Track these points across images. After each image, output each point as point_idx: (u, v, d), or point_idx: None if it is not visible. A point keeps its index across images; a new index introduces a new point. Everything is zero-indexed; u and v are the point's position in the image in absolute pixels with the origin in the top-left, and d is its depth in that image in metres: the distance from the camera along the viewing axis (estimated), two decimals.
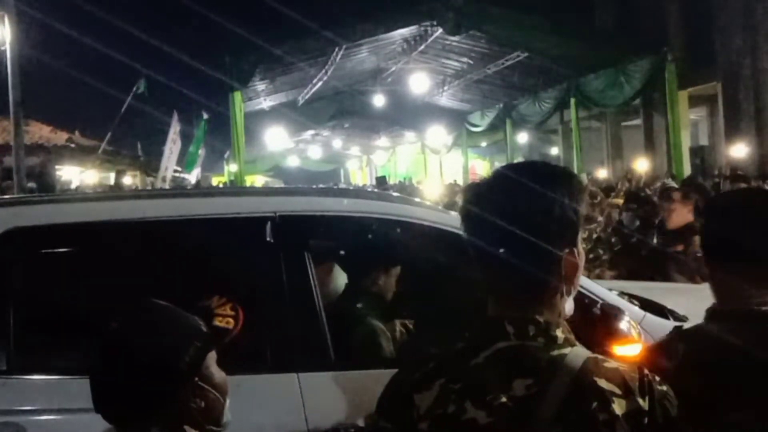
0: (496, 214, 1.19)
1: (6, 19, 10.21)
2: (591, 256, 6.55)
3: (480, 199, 1.24)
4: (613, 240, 6.64)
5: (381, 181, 19.12)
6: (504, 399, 1.15)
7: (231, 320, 1.57)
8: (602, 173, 16.61)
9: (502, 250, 1.19)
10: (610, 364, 1.19)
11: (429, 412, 1.20)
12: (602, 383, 1.14)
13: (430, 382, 1.22)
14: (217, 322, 1.55)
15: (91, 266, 2.50)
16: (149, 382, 1.40)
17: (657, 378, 1.20)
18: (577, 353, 1.19)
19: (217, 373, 1.53)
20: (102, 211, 2.68)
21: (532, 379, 1.16)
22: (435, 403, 1.20)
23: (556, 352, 1.18)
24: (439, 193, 12.18)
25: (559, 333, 1.21)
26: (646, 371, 1.20)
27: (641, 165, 15.29)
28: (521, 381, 1.16)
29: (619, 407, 1.13)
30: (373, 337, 2.70)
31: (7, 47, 10.23)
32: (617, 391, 1.14)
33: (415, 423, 1.21)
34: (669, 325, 2.81)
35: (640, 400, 1.15)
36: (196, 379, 1.46)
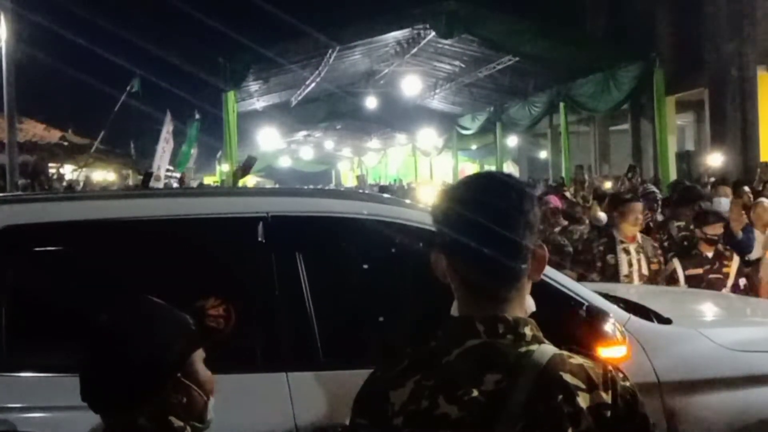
0: (477, 209, 1.25)
1: (2, 18, 10.18)
2: (581, 258, 6.61)
3: (460, 196, 1.29)
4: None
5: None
6: (475, 394, 1.20)
7: (222, 320, 1.60)
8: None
9: (481, 242, 1.23)
10: (575, 360, 1.24)
11: (403, 408, 1.23)
12: (567, 378, 1.20)
13: (405, 379, 1.25)
14: (208, 322, 1.58)
15: (83, 265, 2.52)
16: (134, 374, 1.44)
17: (621, 374, 1.25)
18: (544, 350, 1.24)
19: (203, 372, 1.54)
20: (95, 209, 2.69)
21: (501, 375, 1.21)
22: (409, 400, 1.23)
23: (524, 349, 1.23)
24: (430, 195, 12.21)
25: (528, 330, 1.25)
26: (610, 367, 1.25)
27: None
28: (491, 377, 1.21)
29: (583, 401, 1.18)
30: (365, 338, 2.73)
31: (3, 45, 10.19)
32: (582, 385, 1.20)
33: (390, 419, 1.23)
34: (653, 327, 2.87)
35: (604, 395, 1.20)
36: (179, 375, 1.49)
